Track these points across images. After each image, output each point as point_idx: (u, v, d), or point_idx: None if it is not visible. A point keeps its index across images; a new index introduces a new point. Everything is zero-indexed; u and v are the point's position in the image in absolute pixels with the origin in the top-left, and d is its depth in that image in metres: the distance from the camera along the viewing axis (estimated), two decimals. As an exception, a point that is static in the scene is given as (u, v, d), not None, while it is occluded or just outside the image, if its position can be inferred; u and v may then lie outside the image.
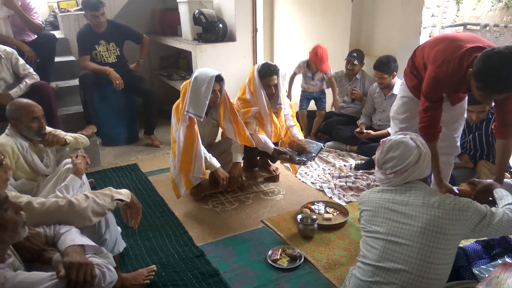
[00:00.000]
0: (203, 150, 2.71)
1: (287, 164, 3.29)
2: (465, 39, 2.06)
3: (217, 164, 2.79)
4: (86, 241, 1.63)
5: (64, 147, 2.60)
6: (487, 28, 3.73)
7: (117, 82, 3.71)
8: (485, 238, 2.26)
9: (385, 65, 3.46)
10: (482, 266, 2.14)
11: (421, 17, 3.51)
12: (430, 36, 3.64)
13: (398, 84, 3.62)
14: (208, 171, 2.90)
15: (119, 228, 2.15)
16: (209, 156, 2.78)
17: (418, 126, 2.26)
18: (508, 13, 6.96)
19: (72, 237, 1.60)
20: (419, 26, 3.54)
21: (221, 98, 2.79)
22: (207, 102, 2.63)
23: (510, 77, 1.77)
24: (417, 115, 2.30)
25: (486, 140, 2.94)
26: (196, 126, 2.66)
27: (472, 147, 3.01)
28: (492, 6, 6.36)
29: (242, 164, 3.05)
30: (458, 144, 2.47)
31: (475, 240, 2.26)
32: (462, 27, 4.05)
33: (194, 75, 2.69)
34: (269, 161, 3.25)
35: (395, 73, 3.52)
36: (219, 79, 2.71)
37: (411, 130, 2.44)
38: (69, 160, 2.28)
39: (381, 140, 1.78)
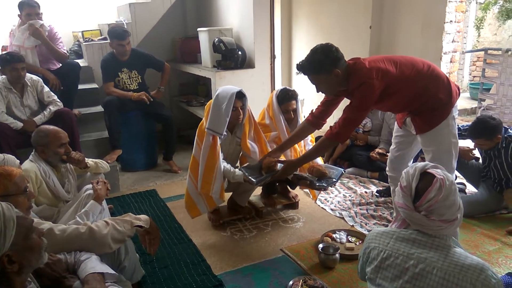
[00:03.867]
0: (228, 166, 2.68)
1: (307, 190, 3.24)
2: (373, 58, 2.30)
3: (240, 179, 2.68)
4: (106, 269, 1.62)
5: (85, 171, 2.64)
6: (509, 52, 3.68)
7: (142, 97, 3.81)
8: (518, 271, 2.16)
9: None
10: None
11: (442, 42, 3.49)
12: (451, 61, 3.61)
13: None
14: (227, 195, 2.86)
15: (137, 255, 2.13)
16: (234, 170, 2.70)
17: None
18: (529, 38, 6.89)
19: (92, 264, 1.59)
20: (440, 52, 3.52)
21: (244, 115, 2.75)
22: (228, 119, 2.62)
23: (307, 56, 2.17)
24: (405, 135, 2.49)
25: (508, 167, 2.86)
26: (218, 147, 2.65)
27: (496, 176, 2.93)
28: (513, 31, 6.32)
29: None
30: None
31: (507, 272, 2.16)
32: (483, 52, 4.01)
33: (216, 92, 2.70)
34: (289, 188, 3.21)
35: None
36: (240, 96, 2.68)
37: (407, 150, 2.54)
38: (89, 186, 2.30)
39: (423, 172, 1.45)
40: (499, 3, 6.18)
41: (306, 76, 2.25)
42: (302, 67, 2.22)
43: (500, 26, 6.46)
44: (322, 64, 2.15)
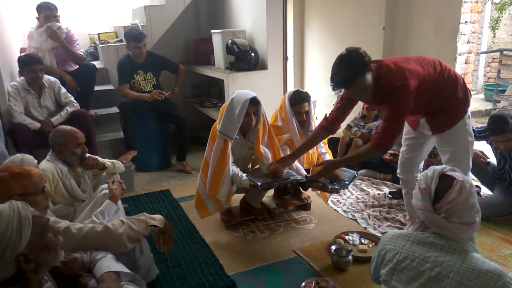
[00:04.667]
0: (237, 171, 2.70)
1: (318, 192, 3.24)
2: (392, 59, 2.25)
3: (247, 184, 2.70)
4: (121, 268, 1.64)
5: (101, 171, 2.68)
6: (526, 54, 3.62)
7: (156, 96, 3.86)
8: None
9: None
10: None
11: (456, 43, 3.46)
12: (466, 62, 3.57)
13: None
14: (237, 197, 2.88)
15: (151, 254, 2.16)
16: (242, 174, 2.71)
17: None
18: (546, 38, 6.75)
19: (108, 263, 1.62)
20: (455, 53, 3.49)
21: (258, 121, 2.75)
22: (239, 124, 2.63)
23: (338, 70, 2.04)
24: (417, 137, 2.46)
25: (523, 169, 2.82)
26: (229, 151, 2.66)
27: (510, 178, 2.89)
28: (530, 31, 6.20)
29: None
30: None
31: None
32: (498, 53, 3.95)
33: (232, 96, 2.71)
34: (301, 189, 3.21)
35: None
36: (255, 102, 2.68)
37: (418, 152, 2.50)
38: (105, 185, 2.34)
39: (442, 175, 1.45)
40: (515, 3, 6.07)
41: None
42: (339, 84, 2.08)
43: (516, 26, 6.35)
44: (357, 72, 2.02)
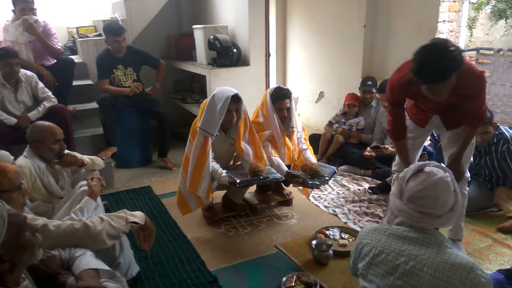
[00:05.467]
0: (216, 167, 2.69)
1: (300, 188, 3.27)
2: None
3: (226, 181, 2.68)
4: (101, 265, 1.63)
5: (80, 168, 2.63)
6: (501, 52, 3.72)
7: (136, 89, 3.81)
8: (508, 267, 2.20)
9: None
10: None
11: (435, 42, 3.52)
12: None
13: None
14: (218, 194, 2.88)
15: (132, 251, 2.14)
16: (222, 171, 2.70)
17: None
18: (521, 38, 6.94)
19: (87, 260, 1.60)
20: (433, 51, 3.54)
21: (239, 118, 2.75)
22: (220, 121, 2.63)
23: (435, 64, 1.86)
24: (418, 137, 2.50)
25: (499, 165, 2.90)
26: (209, 147, 2.66)
27: (487, 173, 2.97)
28: (506, 31, 6.37)
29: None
30: (466, 171, 2.42)
31: (497, 269, 2.19)
32: (475, 52, 4.04)
33: (213, 92, 2.70)
34: (283, 185, 3.23)
35: None
36: (236, 99, 2.68)
37: (415, 152, 2.53)
38: (84, 182, 2.30)
39: (420, 169, 1.47)
40: (491, 3, 6.23)
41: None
42: (435, 78, 1.90)
43: (492, 26, 6.51)
44: (456, 66, 1.88)
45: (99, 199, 2.28)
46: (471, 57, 4.02)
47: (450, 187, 1.41)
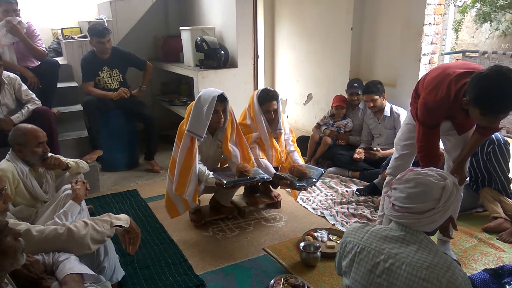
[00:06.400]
0: (203, 169, 2.67)
1: (288, 189, 3.26)
2: (454, 66, 2.10)
3: (213, 182, 2.66)
4: (85, 269, 1.60)
5: (64, 171, 2.59)
6: (486, 55, 3.77)
7: (122, 94, 3.77)
8: (493, 267, 2.22)
9: (373, 87, 3.61)
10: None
11: (421, 44, 3.55)
12: (430, 63, 3.68)
13: (389, 107, 3.67)
14: (206, 197, 2.86)
15: (117, 255, 2.11)
16: (208, 172, 2.68)
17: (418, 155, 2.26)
18: (505, 40, 7.07)
19: (71, 265, 1.57)
20: (419, 53, 3.58)
21: (226, 119, 2.74)
22: (208, 122, 2.61)
23: (503, 95, 1.78)
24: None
25: (484, 166, 2.94)
26: (196, 149, 2.64)
27: (472, 174, 3.00)
28: (490, 33, 6.50)
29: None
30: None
31: (483, 269, 2.21)
32: (461, 54, 4.10)
33: (198, 94, 2.69)
34: (271, 187, 3.22)
35: (384, 94, 3.64)
36: (222, 99, 2.67)
37: (412, 157, 2.47)
38: (68, 186, 2.26)
39: (410, 169, 1.54)
40: (476, 6, 6.35)
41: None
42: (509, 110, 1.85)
43: (477, 29, 6.64)
44: None
45: (83, 203, 2.24)
46: (457, 59, 4.08)
47: (431, 190, 1.41)
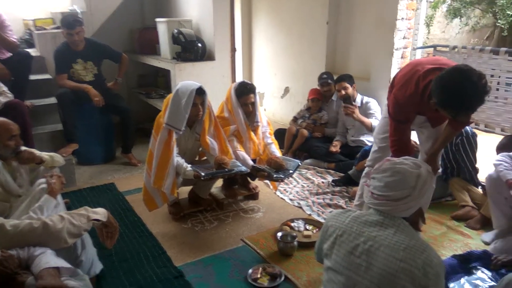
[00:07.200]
0: (181, 162, 2.68)
1: (268, 181, 3.31)
2: (425, 62, 2.15)
3: (191, 175, 2.66)
4: (62, 263, 1.59)
5: (39, 165, 2.54)
6: (456, 50, 3.90)
7: (97, 99, 3.68)
8: (461, 253, 2.33)
9: (344, 76, 3.75)
10: (459, 280, 2.17)
11: (393, 39, 3.64)
12: (402, 57, 3.77)
13: (359, 98, 3.76)
14: (184, 190, 2.87)
15: (95, 249, 2.11)
16: (186, 165, 2.68)
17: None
18: (474, 35, 7.30)
19: (47, 259, 1.56)
20: (392, 48, 3.67)
21: (204, 112, 2.75)
22: (187, 116, 2.62)
23: (467, 95, 1.80)
24: None
25: (453, 157, 3.05)
26: (173, 142, 2.64)
27: (442, 164, 3.11)
28: (460, 29, 6.69)
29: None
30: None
31: (451, 255, 2.32)
32: (432, 49, 4.22)
33: (176, 87, 2.68)
34: (249, 179, 3.25)
35: (354, 84, 3.74)
36: (201, 92, 2.67)
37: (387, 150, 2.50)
38: (43, 180, 2.23)
39: (388, 158, 1.61)
40: (447, 2, 6.52)
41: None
42: (472, 110, 1.91)
43: (448, 24, 6.82)
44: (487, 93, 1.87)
45: (59, 197, 2.21)
46: (429, 53, 4.19)
47: (406, 179, 1.47)
